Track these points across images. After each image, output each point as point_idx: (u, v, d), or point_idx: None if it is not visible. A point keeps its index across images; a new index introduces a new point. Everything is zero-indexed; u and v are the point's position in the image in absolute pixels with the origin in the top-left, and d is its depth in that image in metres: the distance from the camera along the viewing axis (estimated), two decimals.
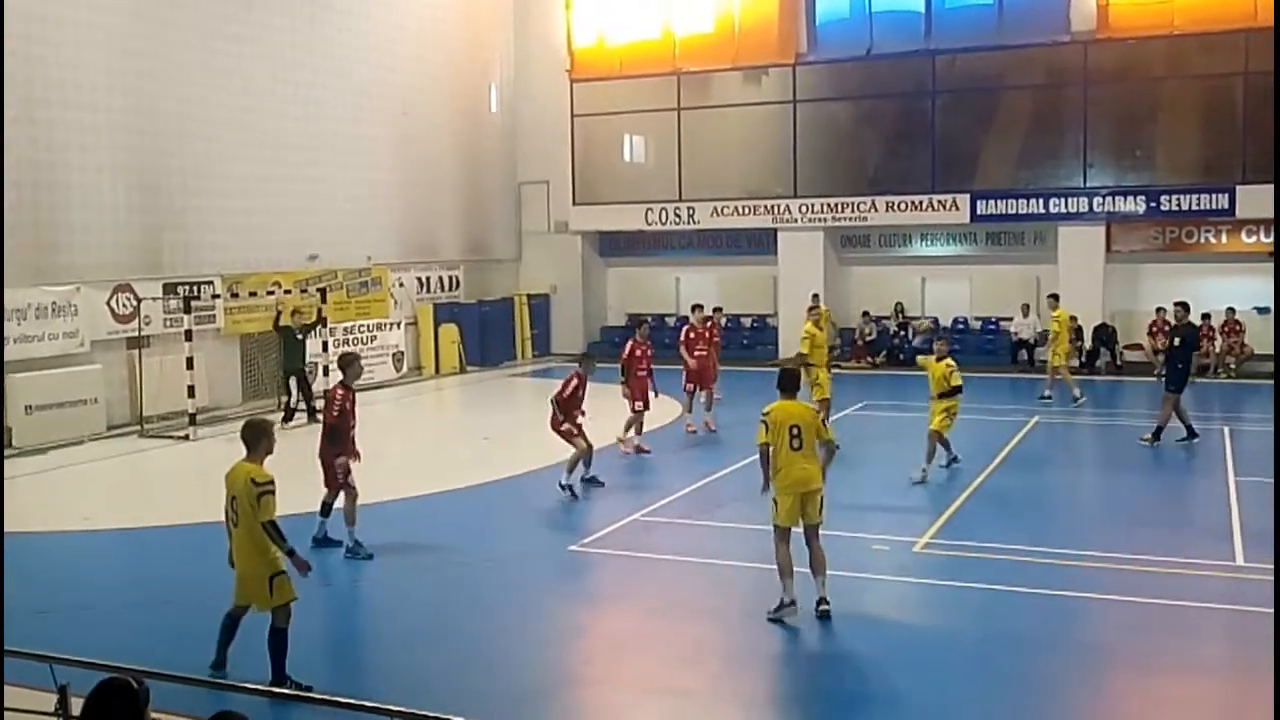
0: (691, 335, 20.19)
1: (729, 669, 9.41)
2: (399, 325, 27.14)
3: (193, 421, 19.73)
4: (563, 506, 14.41)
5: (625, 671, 9.36)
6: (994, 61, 28.40)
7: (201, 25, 22.45)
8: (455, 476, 16.01)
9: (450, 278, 30.10)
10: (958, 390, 15.58)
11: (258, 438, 8.73)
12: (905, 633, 10.01)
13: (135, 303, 20.79)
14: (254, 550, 8.44)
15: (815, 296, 25.94)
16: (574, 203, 31.93)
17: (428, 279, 29.25)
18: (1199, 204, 26.32)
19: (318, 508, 12.51)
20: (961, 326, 29.12)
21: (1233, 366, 25.67)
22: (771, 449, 9.97)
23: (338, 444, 12.10)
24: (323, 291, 23.74)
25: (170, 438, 19.63)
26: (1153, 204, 26.69)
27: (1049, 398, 22.23)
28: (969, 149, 29.14)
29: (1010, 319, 27.36)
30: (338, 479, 12.08)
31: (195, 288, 21.70)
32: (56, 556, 12.62)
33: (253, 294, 22.84)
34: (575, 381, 15.11)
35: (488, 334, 29.90)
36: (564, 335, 32.20)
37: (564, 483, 14.67)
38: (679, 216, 30.77)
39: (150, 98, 21.39)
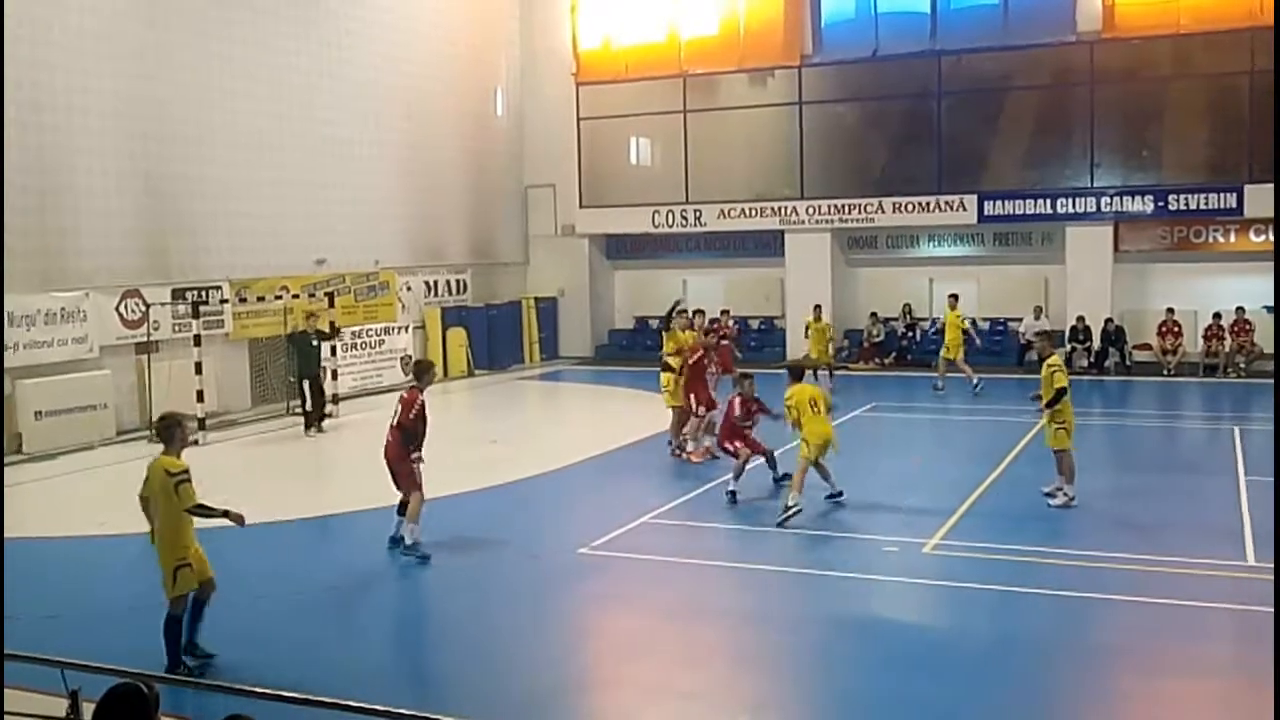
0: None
1: (738, 671, 9.40)
2: (407, 329, 27.17)
3: (202, 426, 19.75)
4: (571, 509, 14.41)
5: (634, 674, 9.35)
6: (1000, 62, 28.37)
7: (209, 31, 22.51)
8: (463, 480, 16.00)
9: (458, 281, 30.14)
10: (1061, 394, 13.64)
11: (172, 431, 9.06)
12: (915, 634, 10.00)
13: (144, 308, 20.84)
14: (165, 542, 8.85)
15: (817, 308, 25.89)
16: (580, 206, 31.95)
17: (435, 283, 29.28)
18: (1207, 203, 26.27)
19: (385, 508, 12.59)
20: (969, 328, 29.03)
21: (1242, 366, 25.60)
22: (799, 416, 13.57)
23: (411, 445, 12.18)
24: (330, 296, 23.76)
25: None
26: (1160, 204, 26.63)
27: (941, 389, 23.89)
28: (976, 150, 29.11)
29: (1019, 319, 27.30)
30: (414, 480, 12.18)
31: (203, 293, 21.74)
32: (67, 561, 12.66)
33: (261, 299, 22.88)
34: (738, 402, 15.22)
35: (495, 337, 29.93)
36: (572, 338, 32.24)
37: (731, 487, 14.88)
38: (686, 219, 30.77)
39: (158, 103, 21.44)
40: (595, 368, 30.20)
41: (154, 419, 20.08)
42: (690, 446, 17.17)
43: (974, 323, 26.03)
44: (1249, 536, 12.29)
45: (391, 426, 12.32)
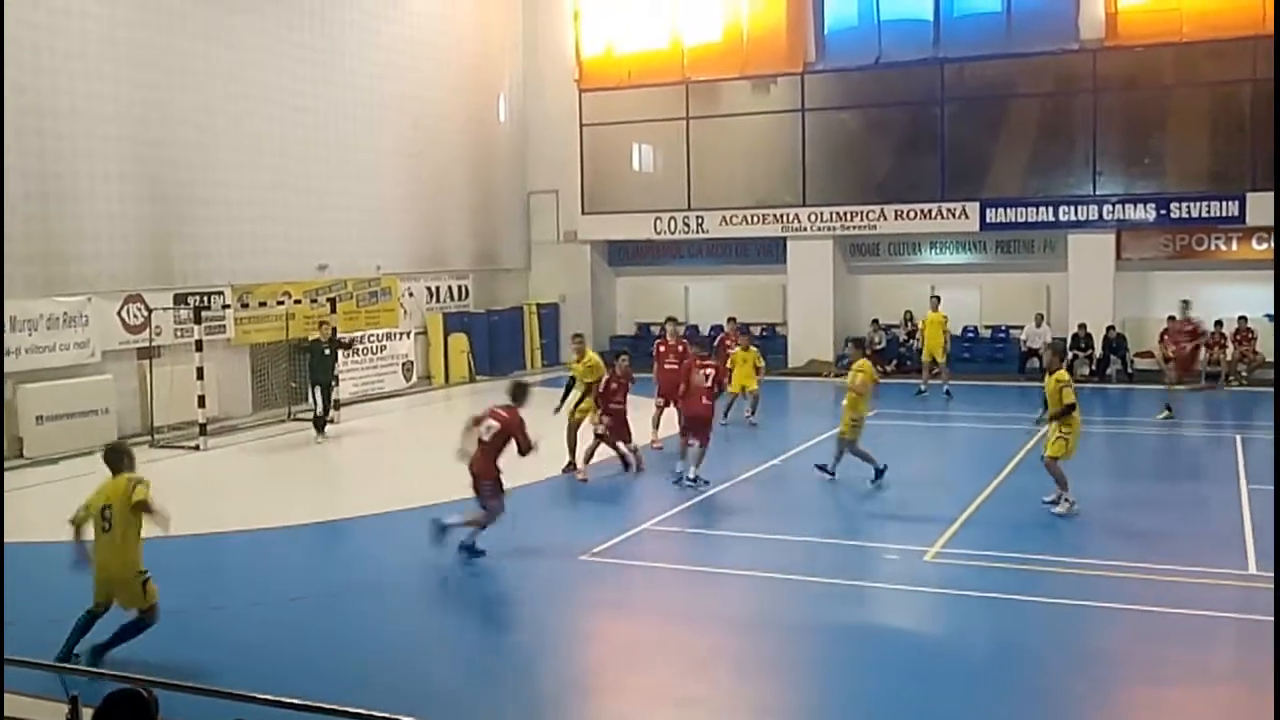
0: (662, 349, 19.65)
1: (739, 678, 9.39)
2: (408, 335, 27.18)
3: (203, 431, 19.78)
4: (572, 515, 14.40)
5: (635, 680, 9.33)
6: (1003, 70, 28.39)
7: (212, 36, 22.53)
8: (463, 488, 15.98)
9: (460, 287, 30.15)
10: (1069, 409, 13.54)
11: (121, 459, 9.66)
12: (916, 642, 9.98)
13: (146, 313, 20.84)
14: (126, 555, 9.22)
15: (935, 299, 25.38)
16: (583, 212, 31.97)
17: (437, 288, 29.29)
18: (1209, 211, 26.28)
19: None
20: (971, 335, 29.06)
21: (1244, 374, 25.58)
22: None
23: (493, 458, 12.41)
24: (332, 301, 23.78)
25: (181, 448, 19.67)
26: (1163, 211, 26.64)
27: (924, 392, 24.39)
28: (978, 157, 29.11)
29: (1020, 327, 27.27)
30: (499, 496, 12.40)
31: (205, 298, 21.76)
32: (67, 566, 12.61)
33: (263, 304, 22.88)
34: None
35: (497, 343, 29.93)
36: None
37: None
38: (688, 225, 30.78)
39: (160, 108, 21.47)
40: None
41: (153, 426, 20.17)
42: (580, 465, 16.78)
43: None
44: (1250, 545, 12.28)
45: (482, 442, 12.33)
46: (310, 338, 21.44)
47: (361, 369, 25.21)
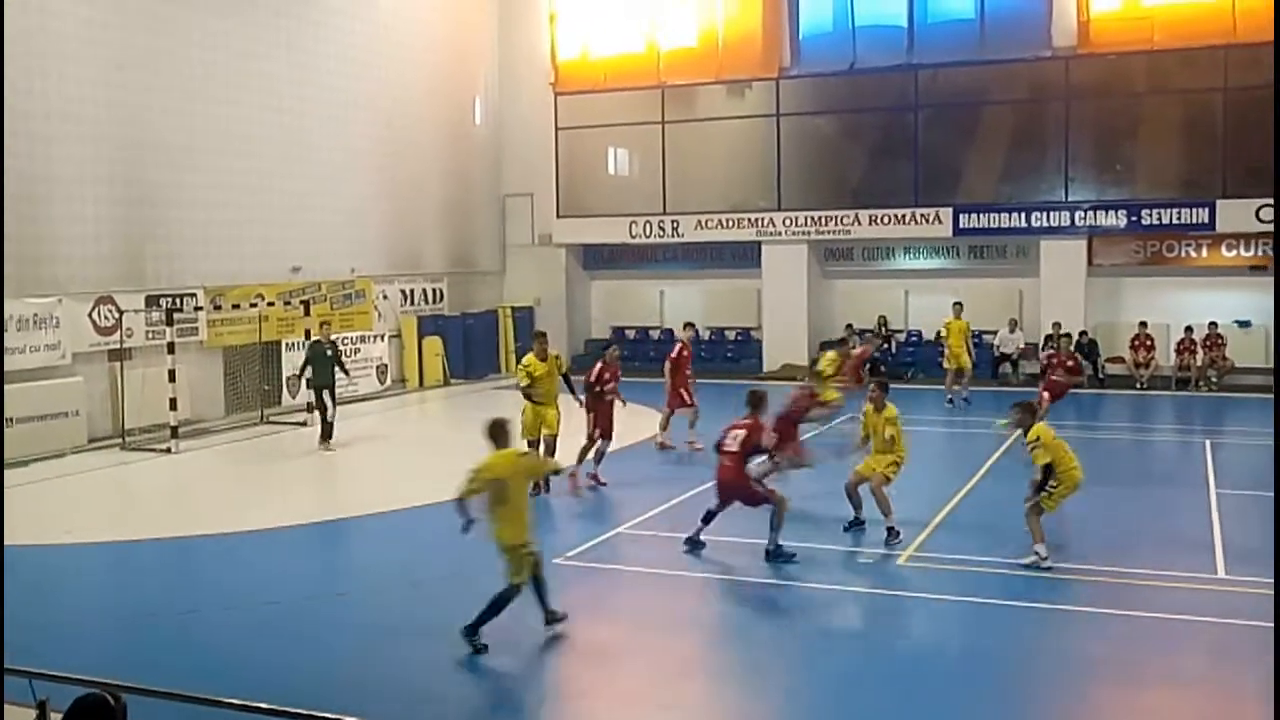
0: (685, 354, 19.70)
1: (714, 683, 9.40)
2: (383, 338, 27.09)
3: (175, 434, 19.64)
4: (546, 519, 14.35)
5: (611, 686, 9.33)
6: (976, 76, 28.54)
7: (185, 36, 22.42)
8: (439, 490, 15.93)
9: (434, 290, 30.07)
10: (1046, 473, 11.71)
11: (505, 434, 10.31)
12: (891, 646, 10.02)
13: (117, 315, 20.70)
14: (516, 527, 9.70)
15: (957, 305, 25.27)
16: (558, 215, 31.95)
17: (412, 291, 29.21)
18: (1179, 218, 26.49)
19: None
20: (944, 340, 29.15)
21: (1214, 380, 25.80)
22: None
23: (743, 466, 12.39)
24: (306, 304, 23.67)
25: (152, 450, 19.54)
26: (1134, 218, 26.84)
27: (953, 403, 24.09)
28: (952, 163, 29.26)
29: (994, 332, 27.43)
30: (769, 489, 12.50)
31: (178, 300, 21.61)
32: (37, 570, 12.52)
33: (236, 306, 22.76)
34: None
35: (472, 346, 29.86)
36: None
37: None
38: (663, 229, 30.81)
39: (133, 109, 21.34)
40: (571, 378, 30.07)
41: (124, 429, 20.00)
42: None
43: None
44: (1220, 550, 12.39)
45: (732, 454, 12.19)
46: (311, 339, 21.03)
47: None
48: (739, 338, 31.14)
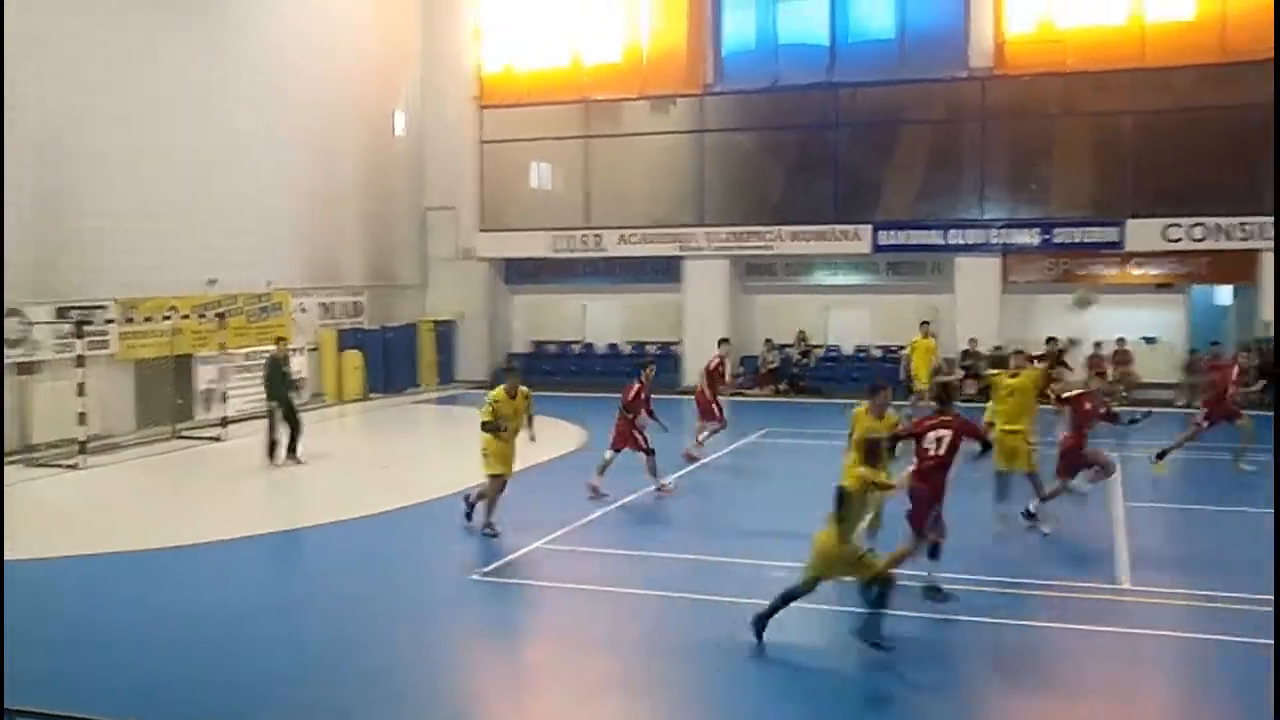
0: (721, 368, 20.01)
1: (630, 700, 9.38)
2: (300, 351, 26.70)
3: (83, 449, 19.19)
4: (464, 535, 14.27)
5: (524, 704, 9.29)
6: (896, 95, 29.02)
7: (98, 41, 21.99)
8: (354, 506, 15.79)
9: (354, 303, 29.78)
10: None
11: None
12: (802, 659, 10.06)
13: (26, 327, 20.19)
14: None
15: (924, 324, 24.80)
16: (480, 229, 31.86)
17: (331, 304, 28.90)
18: (1090, 237, 27.15)
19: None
20: (862, 355, 29.59)
21: (1124, 394, 26.38)
22: None
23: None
24: (221, 316, 23.31)
25: (58, 466, 19.07)
26: (1046, 237, 27.45)
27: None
28: (871, 180, 29.69)
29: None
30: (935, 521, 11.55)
31: (89, 312, 21.14)
32: None
33: (148, 319, 22.33)
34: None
35: (392, 360, 29.62)
36: (469, 362, 32.03)
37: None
38: (585, 244, 30.85)
39: (45, 116, 20.87)
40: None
41: (30, 444, 19.48)
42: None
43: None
44: (1123, 561, 12.66)
45: (934, 458, 11.16)
46: (269, 353, 20.43)
47: (251, 386, 24.67)
48: (660, 352, 31.20)
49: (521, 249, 31.72)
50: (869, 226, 28.63)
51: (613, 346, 32.06)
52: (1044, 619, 10.82)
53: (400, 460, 20.76)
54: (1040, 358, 18.00)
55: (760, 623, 10.02)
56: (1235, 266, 26.64)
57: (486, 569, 12.54)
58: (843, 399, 24.90)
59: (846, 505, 9.76)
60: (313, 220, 28.10)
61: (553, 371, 30.39)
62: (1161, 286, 27.32)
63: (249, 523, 15.14)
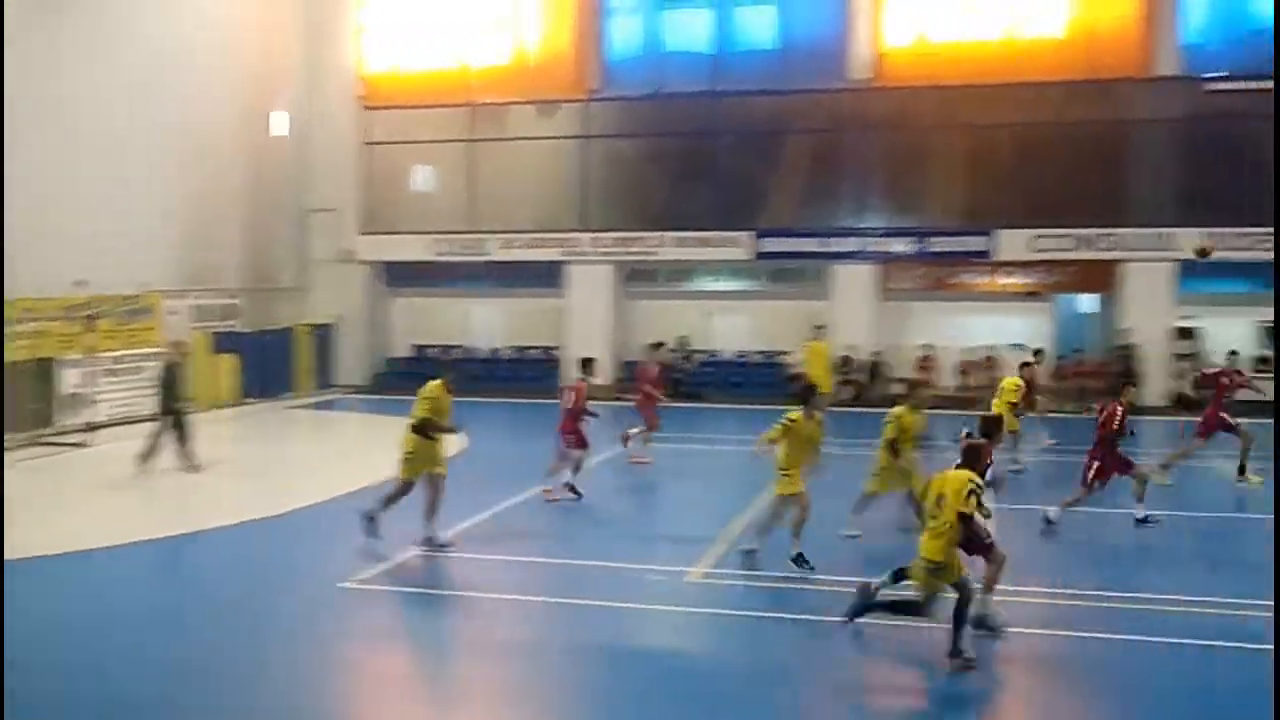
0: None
1: (503, 707, 9.33)
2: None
3: None
4: (337, 541, 14.06)
5: (395, 713, 9.19)
6: (777, 105, 29.47)
7: None
8: (226, 514, 15.44)
9: (229, 306, 29.13)
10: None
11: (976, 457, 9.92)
12: (679, 664, 10.11)
13: None
14: (939, 543, 9.58)
15: (818, 328, 25.28)
16: (362, 232, 31.46)
17: (205, 307, 28.21)
18: (962, 246, 27.91)
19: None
20: (743, 360, 29.93)
21: (926, 397, 27.12)
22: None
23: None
24: (90, 319, 22.59)
25: None
26: (921, 245, 28.11)
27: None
28: (753, 188, 30.07)
29: (790, 353, 28.26)
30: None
31: None
32: None
33: (18, 321, 21.52)
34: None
35: (268, 365, 29.01)
36: (349, 367, 31.59)
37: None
38: (469, 248, 30.66)
39: None
40: (372, 397, 29.67)
41: None
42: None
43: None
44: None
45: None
46: (168, 359, 19.70)
47: (120, 390, 23.98)
48: (543, 357, 31.18)
49: (403, 252, 31.40)
50: (751, 233, 29.00)
51: (495, 351, 31.92)
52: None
53: (274, 467, 20.36)
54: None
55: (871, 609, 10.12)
56: (1098, 276, 27.66)
57: (358, 577, 12.37)
58: (724, 404, 25.26)
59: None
60: (189, 221, 27.44)
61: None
62: (1029, 295, 28.22)
63: (115, 531, 14.70)
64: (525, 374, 30.42)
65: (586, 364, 17.33)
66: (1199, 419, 17.90)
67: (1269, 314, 27.48)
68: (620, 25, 30.74)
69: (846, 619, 10.20)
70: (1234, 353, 24.15)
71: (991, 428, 11.32)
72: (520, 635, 10.85)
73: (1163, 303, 26.90)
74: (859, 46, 28.65)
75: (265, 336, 29.24)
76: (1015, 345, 27.68)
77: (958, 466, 9.84)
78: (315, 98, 31.75)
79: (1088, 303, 29.19)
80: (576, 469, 16.47)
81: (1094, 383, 26.51)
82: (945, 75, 27.98)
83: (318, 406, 28.59)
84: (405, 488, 13.62)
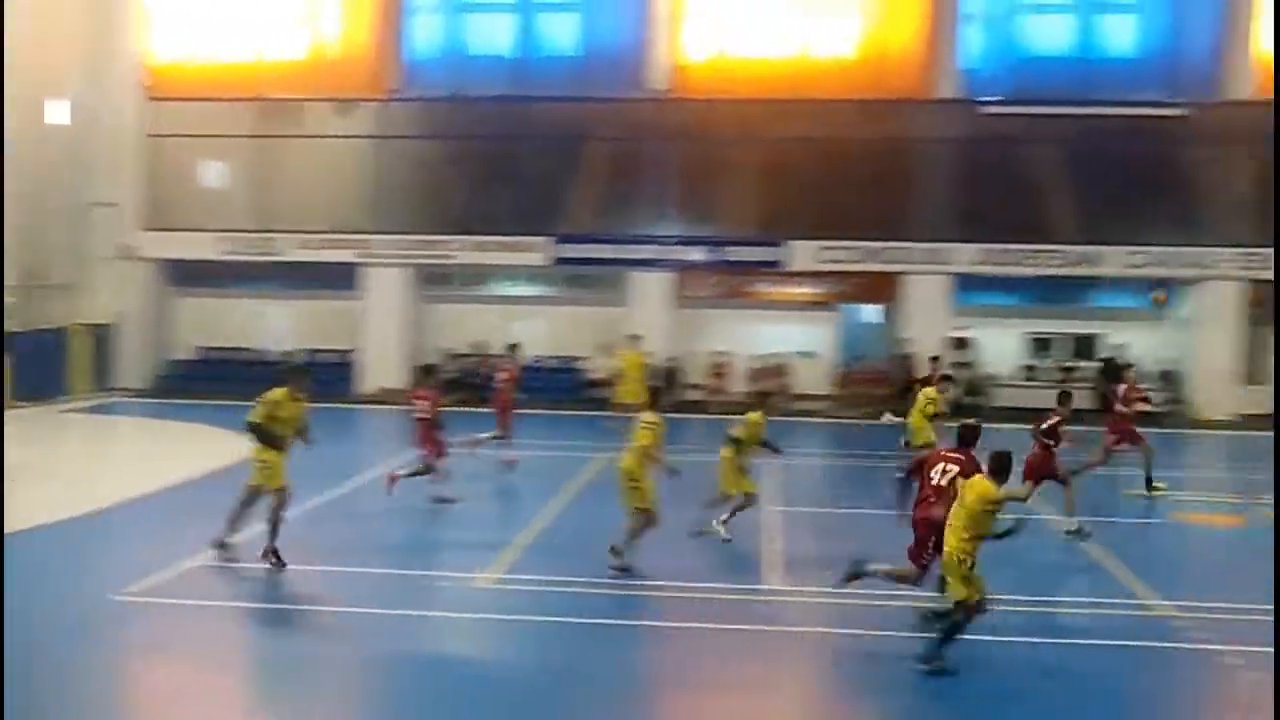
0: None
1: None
2: None
3: None
4: (111, 552, 13.46)
5: None
6: (577, 111, 29.67)
7: None
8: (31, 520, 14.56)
9: None
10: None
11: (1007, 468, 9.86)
12: (472, 670, 10.09)
13: None
14: (955, 543, 9.60)
15: (633, 337, 25.11)
16: (145, 228, 30.15)
17: None
18: (756, 256, 28.73)
19: None
20: (539, 366, 29.95)
21: (779, 405, 27.98)
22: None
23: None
24: None
25: None
26: (715, 254, 28.79)
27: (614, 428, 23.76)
28: (553, 194, 30.12)
29: (586, 358, 28.50)
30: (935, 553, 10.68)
31: None
32: None
33: None
34: None
35: (41, 366, 27.45)
36: (129, 368, 30.19)
37: None
38: (259, 247, 29.77)
39: None
40: (153, 400, 28.44)
41: None
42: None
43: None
44: (767, 563, 13.44)
45: (936, 488, 10.73)
46: None
47: None
48: (337, 360, 30.48)
49: (190, 250, 30.23)
50: (550, 239, 29.10)
51: (286, 354, 31.00)
52: (701, 620, 11.31)
53: (42, 474, 19.31)
54: (924, 380, 18.98)
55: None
56: (882, 287, 28.89)
57: (132, 588, 11.86)
58: (520, 409, 25.16)
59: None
60: None
61: (220, 378, 29.06)
62: (817, 304, 29.27)
63: None
64: (319, 377, 29.57)
65: (429, 370, 17.93)
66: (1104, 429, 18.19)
67: (1036, 325, 29.38)
68: (422, 25, 30.42)
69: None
70: (860, 356, 25.25)
71: (970, 434, 11.37)
72: (301, 648, 10.65)
73: (940, 314, 28.27)
74: (659, 58, 29.17)
75: (37, 335, 27.67)
76: (803, 353, 28.70)
77: (989, 474, 9.81)
78: (98, 86, 30.21)
79: (872, 312, 30.42)
80: (422, 473, 16.13)
81: (876, 389, 27.73)
82: (741, 89, 28.76)
83: (94, 410, 27.23)
84: (255, 495, 12.98)
